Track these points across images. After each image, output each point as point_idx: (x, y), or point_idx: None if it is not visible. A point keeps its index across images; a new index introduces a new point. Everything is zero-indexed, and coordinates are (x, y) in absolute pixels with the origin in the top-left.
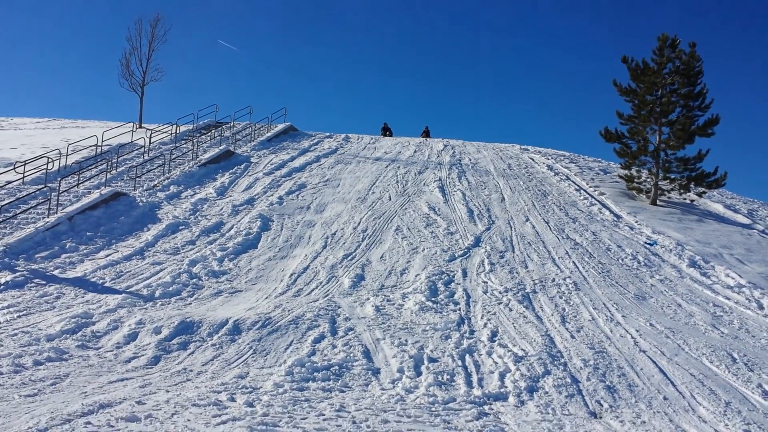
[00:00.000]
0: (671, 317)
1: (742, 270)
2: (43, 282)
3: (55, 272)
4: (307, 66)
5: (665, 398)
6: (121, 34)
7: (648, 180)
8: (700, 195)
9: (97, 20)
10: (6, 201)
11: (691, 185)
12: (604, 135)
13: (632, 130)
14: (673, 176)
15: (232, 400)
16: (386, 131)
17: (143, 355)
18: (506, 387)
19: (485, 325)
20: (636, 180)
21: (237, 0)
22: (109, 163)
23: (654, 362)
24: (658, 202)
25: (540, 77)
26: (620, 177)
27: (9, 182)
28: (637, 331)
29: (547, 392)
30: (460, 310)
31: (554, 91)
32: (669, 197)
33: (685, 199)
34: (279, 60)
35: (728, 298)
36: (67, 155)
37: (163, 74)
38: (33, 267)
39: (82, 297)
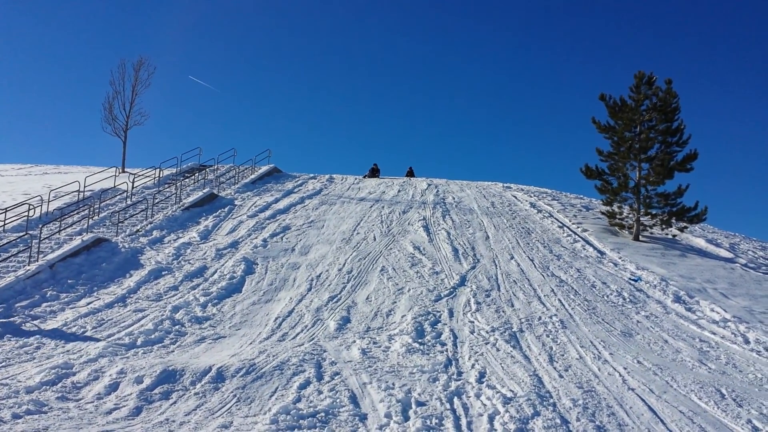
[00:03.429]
0: (658, 354)
1: (726, 304)
2: (23, 332)
3: (36, 322)
4: (291, 106)
5: None
6: (104, 78)
7: (630, 216)
8: (681, 230)
9: (80, 64)
10: None
11: (673, 220)
12: (585, 172)
13: (612, 167)
14: (654, 212)
15: None
16: (375, 172)
17: (125, 406)
18: (496, 430)
19: (473, 366)
20: (618, 216)
21: (216, 40)
22: (91, 208)
23: (643, 400)
24: (640, 238)
25: (521, 115)
26: (602, 213)
27: None
28: (625, 368)
29: None
30: (447, 351)
31: (535, 128)
32: (651, 233)
33: (667, 234)
34: (262, 100)
35: (714, 333)
36: (48, 201)
37: (147, 118)
38: (13, 317)
39: (63, 347)
